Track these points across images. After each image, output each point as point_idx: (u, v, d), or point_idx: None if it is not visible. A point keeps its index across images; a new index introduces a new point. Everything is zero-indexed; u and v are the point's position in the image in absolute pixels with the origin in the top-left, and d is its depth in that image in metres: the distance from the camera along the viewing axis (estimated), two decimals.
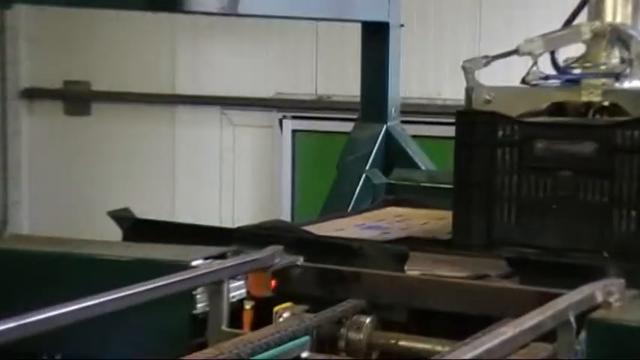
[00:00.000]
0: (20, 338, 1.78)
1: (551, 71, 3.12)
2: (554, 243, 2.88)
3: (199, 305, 2.38)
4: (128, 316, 2.08)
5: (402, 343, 2.35)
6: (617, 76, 2.99)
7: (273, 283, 2.47)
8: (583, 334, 2.00)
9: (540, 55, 3.06)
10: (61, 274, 2.56)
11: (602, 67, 3.06)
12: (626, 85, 2.99)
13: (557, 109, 3.01)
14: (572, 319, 2.00)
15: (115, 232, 2.98)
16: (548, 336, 2.00)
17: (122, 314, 2.01)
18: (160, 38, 8.11)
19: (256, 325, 2.39)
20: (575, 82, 3.02)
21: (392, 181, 4.34)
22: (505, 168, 2.95)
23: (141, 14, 7.15)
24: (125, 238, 2.93)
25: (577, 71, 3.10)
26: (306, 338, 2.26)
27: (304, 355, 2.24)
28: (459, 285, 2.45)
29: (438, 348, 2.26)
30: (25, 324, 1.79)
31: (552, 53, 3.14)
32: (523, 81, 3.05)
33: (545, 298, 2.07)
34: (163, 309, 2.26)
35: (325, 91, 7.66)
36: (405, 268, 2.54)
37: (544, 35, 3.09)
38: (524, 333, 1.85)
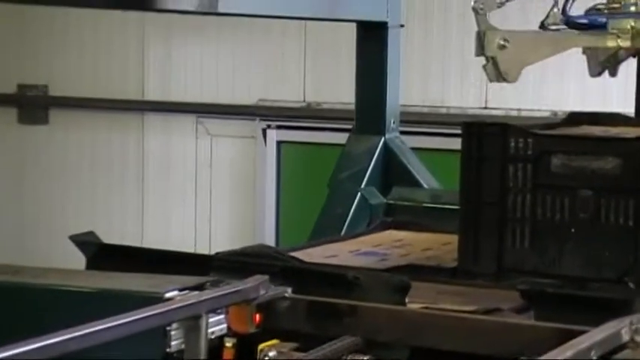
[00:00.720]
0: None
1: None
2: (573, 271, 2.89)
3: (174, 343, 2.39)
4: (93, 356, 2.08)
5: None
6: None
7: (257, 317, 2.47)
8: None
9: None
10: (15, 309, 2.55)
11: (632, 8, 3.03)
12: None
13: (576, 121, 3.01)
14: None
15: (77, 259, 2.98)
16: None
17: (85, 354, 2.01)
18: (128, 37, 8.13)
19: None
20: (601, 26, 2.99)
21: (391, 201, 4.36)
22: (518, 186, 2.96)
23: (107, 11, 7.17)
24: (89, 265, 2.94)
25: (603, 13, 3.04)
26: None
27: None
28: (466, 320, 2.45)
29: None
30: None
31: None
32: (542, 25, 3.03)
33: (564, 337, 2.08)
34: (133, 347, 2.26)
35: (314, 98, 7.69)
36: (406, 300, 2.55)
37: None
38: None
